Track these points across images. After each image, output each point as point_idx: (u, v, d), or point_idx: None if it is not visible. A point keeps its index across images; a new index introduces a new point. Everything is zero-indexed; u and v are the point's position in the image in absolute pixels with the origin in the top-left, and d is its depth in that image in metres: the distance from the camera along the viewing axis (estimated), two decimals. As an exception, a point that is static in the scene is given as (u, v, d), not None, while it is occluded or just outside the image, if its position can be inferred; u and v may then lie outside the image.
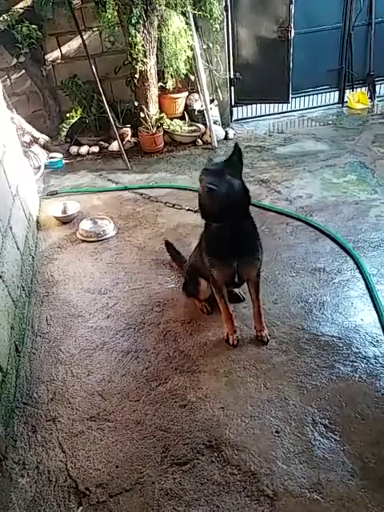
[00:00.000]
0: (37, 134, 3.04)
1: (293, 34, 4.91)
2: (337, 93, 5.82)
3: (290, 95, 5.32)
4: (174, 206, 2.71)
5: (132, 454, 1.83)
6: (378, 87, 5.79)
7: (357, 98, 5.72)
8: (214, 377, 2.15)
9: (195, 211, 2.39)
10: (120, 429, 1.95)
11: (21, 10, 4.47)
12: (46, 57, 4.85)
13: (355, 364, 2.14)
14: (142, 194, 2.82)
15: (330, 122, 5.40)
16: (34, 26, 4.37)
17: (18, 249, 2.84)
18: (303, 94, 5.71)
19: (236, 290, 2.59)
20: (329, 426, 1.86)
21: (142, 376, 2.20)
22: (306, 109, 5.77)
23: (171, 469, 1.76)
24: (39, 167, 4.59)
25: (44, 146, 4.81)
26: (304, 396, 2.01)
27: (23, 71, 4.82)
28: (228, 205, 1.97)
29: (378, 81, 5.75)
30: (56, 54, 4.89)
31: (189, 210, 2.48)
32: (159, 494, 1.68)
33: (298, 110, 5.75)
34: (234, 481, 1.69)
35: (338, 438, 1.81)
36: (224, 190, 1.92)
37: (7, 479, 1.77)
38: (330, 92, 5.82)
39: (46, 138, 2.84)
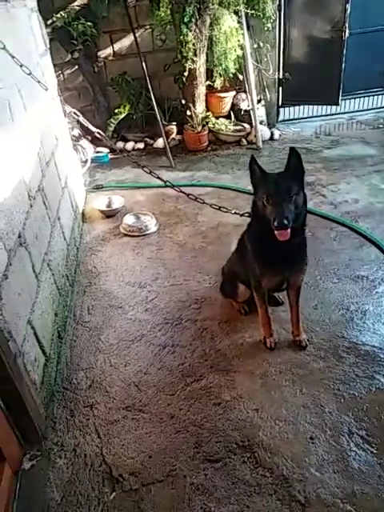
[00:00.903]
0: (93, 129, 3.14)
1: (347, 34, 4.79)
2: (389, 96, 5.64)
3: (340, 97, 5.20)
4: (219, 208, 2.72)
5: (165, 447, 1.87)
6: None
7: (410, 101, 5.52)
8: (249, 378, 2.15)
9: (241, 215, 2.38)
10: (154, 421, 1.99)
11: (77, 8, 4.61)
12: (99, 53, 4.99)
13: (396, 377, 2.08)
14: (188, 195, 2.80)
15: (381, 126, 5.23)
16: (89, 24, 4.51)
17: (65, 239, 2.95)
18: (353, 96, 5.58)
19: (275, 294, 2.57)
20: (366, 437, 1.82)
21: (177, 371, 2.23)
22: (356, 111, 5.63)
23: (203, 465, 1.78)
24: (86, 161, 4.73)
25: (92, 141, 4.95)
26: (341, 405, 1.97)
27: (76, 67, 4.98)
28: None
29: None
30: (108, 50, 5.02)
31: (235, 213, 2.49)
32: (190, 487, 1.71)
33: (347, 113, 5.62)
34: (266, 483, 1.69)
35: (374, 451, 1.77)
36: (291, 215, 1.83)
37: (46, 458, 1.85)
38: (382, 94, 5.64)
39: (101, 132, 2.94)
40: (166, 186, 2.86)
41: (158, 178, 2.72)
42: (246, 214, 2.28)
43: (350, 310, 2.52)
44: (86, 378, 2.25)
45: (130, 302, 2.74)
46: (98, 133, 3.05)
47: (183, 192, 2.64)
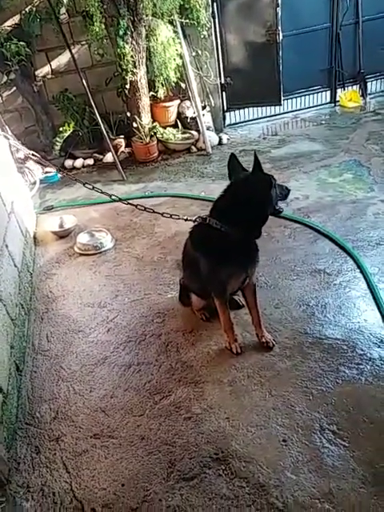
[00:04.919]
0: (26, 151, 3.05)
1: (281, 37, 4.93)
2: (328, 92, 5.83)
3: (282, 97, 5.33)
4: (171, 216, 2.62)
5: (138, 471, 1.79)
6: (369, 85, 5.80)
7: (349, 96, 5.72)
8: (218, 387, 2.12)
9: (194, 220, 2.30)
10: (124, 445, 1.91)
11: (8, 28, 4.50)
12: (36, 73, 4.88)
13: (361, 366, 2.10)
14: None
15: (324, 122, 5.39)
16: (22, 43, 4.40)
17: (16, 266, 2.82)
18: (295, 96, 5.72)
19: (235, 297, 2.56)
20: (337, 432, 1.82)
21: (144, 390, 2.16)
22: (299, 110, 5.78)
23: (178, 485, 1.72)
24: (35, 183, 4.60)
25: (40, 161, 4.81)
26: (310, 402, 1.97)
27: (14, 88, 4.84)
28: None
29: (368, 78, 5.76)
30: (46, 69, 4.92)
31: (187, 219, 2.41)
32: (166, 511, 1.64)
33: (290, 112, 5.75)
34: (243, 494, 1.65)
35: (346, 445, 1.77)
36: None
37: (11, 504, 1.74)
38: (321, 92, 5.82)
39: (36, 154, 2.84)
40: (114, 201, 2.79)
41: (103, 192, 2.64)
42: (198, 219, 2.23)
43: (310, 305, 2.54)
44: (50, 409, 2.15)
45: (91, 324, 2.65)
46: (33, 154, 2.95)
47: (131, 203, 2.58)
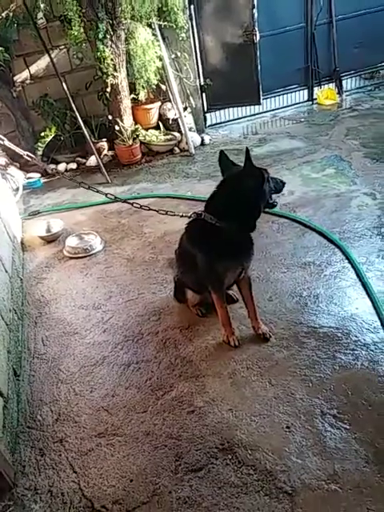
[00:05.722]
0: (21, 152, 3.03)
1: (258, 37, 5.02)
2: (306, 91, 5.95)
3: (261, 97, 5.42)
4: (167, 213, 2.61)
5: (145, 466, 1.81)
6: (344, 82, 5.96)
7: (325, 94, 5.87)
8: (219, 379, 2.15)
9: (189, 216, 2.32)
10: (130, 442, 1.92)
11: (-15, 34, 4.45)
12: (15, 78, 4.83)
13: (356, 352, 2.17)
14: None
15: (303, 120, 5.51)
16: (0, 48, 4.35)
17: (6, 272, 2.80)
18: (274, 95, 5.83)
19: (230, 292, 2.60)
20: (337, 415, 1.88)
21: (146, 386, 2.18)
22: (278, 109, 5.89)
23: (186, 476, 1.74)
24: (18, 189, 4.55)
25: (22, 167, 4.78)
26: (310, 389, 2.02)
27: (-7, 94, 4.78)
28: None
29: (343, 76, 5.92)
30: (25, 74, 4.88)
31: (183, 215, 2.43)
32: (177, 503, 1.66)
33: (270, 111, 5.86)
34: (251, 481, 1.69)
35: (348, 427, 1.82)
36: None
37: (20, 507, 1.72)
38: (299, 90, 5.95)
39: (31, 154, 2.85)
40: (112, 201, 2.80)
41: (98, 191, 2.66)
42: (193, 215, 2.26)
43: (303, 296, 2.60)
44: (52, 411, 2.13)
45: (86, 326, 2.65)
46: (28, 155, 2.94)
47: (127, 202, 2.60)
